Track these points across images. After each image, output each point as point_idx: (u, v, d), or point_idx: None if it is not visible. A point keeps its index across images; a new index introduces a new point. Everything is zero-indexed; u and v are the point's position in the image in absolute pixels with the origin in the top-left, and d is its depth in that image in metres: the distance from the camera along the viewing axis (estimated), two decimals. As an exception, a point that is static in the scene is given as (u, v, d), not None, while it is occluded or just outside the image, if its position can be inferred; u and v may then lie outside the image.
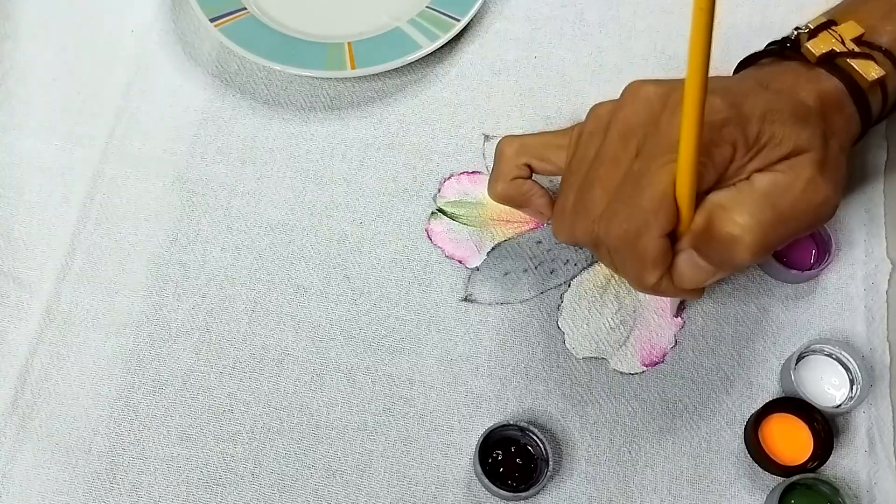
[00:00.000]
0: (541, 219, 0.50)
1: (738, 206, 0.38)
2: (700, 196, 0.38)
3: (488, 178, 0.47)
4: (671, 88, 0.39)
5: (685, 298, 0.45)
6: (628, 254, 0.39)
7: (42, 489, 0.46)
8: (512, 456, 0.45)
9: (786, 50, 0.46)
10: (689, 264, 0.40)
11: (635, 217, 0.38)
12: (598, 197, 0.39)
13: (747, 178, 0.38)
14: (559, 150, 0.44)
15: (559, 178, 0.44)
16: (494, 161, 0.46)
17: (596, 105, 0.42)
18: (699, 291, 0.42)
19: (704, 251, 0.39)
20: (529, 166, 0.45)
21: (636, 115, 0.39)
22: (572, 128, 0.44)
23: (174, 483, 0.46)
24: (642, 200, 0.38)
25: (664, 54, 0.57)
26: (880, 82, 0.44)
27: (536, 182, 0.46)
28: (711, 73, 0.33)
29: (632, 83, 0.40)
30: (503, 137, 0.46)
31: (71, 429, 0.47)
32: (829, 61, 0.44)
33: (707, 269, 0.40)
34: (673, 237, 0.39)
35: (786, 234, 0.39)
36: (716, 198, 0.38)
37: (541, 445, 0.45)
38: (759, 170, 0.38)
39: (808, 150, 0.38)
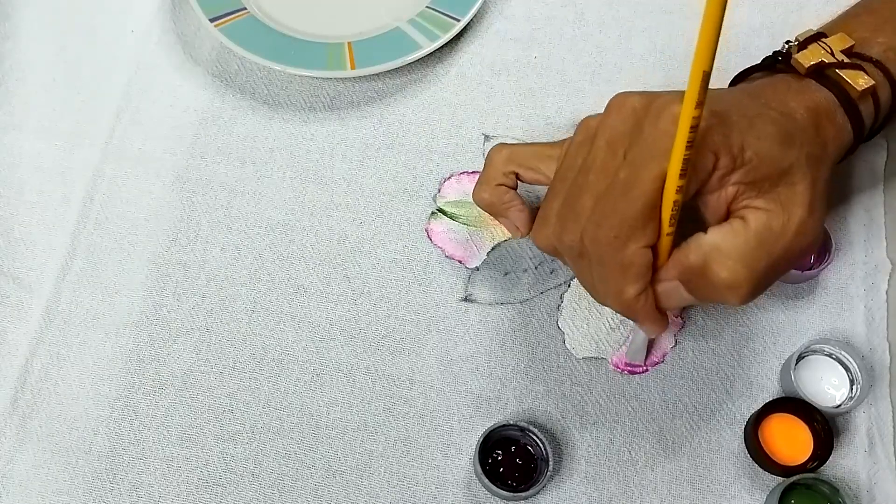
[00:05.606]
0: (515, 233, 0.47)
1: (736, 254, 0.38)
2: (688, 221, 0.38)
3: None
4: (654, 97, 0.39)
5: (650, 328, 0.42)
6: (612, 263, 0.39)
7: (42, 489, 0.46)
8: (512, 456, 0.45)
9: (777, 63, 0.46)
10: (674, 293, 0.40)
11: (623, 225, 0.38)
12: (586, 203, 0.39)
13: (741, 218, 0.38)
14: (549, 160, 0.44)
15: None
16: (483, 167, 0.47)
17: (585, 118, 0.42)
18: (665, 322, 0.41)
19: (693, 288, 0.39)
20: (517, 175, 0.46)
21: (623, 123, 0.39)
22: (563, 140, 0.44)
23: (174, 483, 0.46)
24: (630, 209, 0.37)
25: (664, 54, 0.57)
26: (871, 92, 0.44)
27: (519, 195, 0.46)
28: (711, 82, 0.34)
29: (616, 95, 0.41)
30: (494, 145, 0.47)
31: (71, 429, 0.47)
32: (819, 72, 0.44)
33: (690, 300, 0.40)
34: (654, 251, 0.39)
35: (775, 279, 0.40)
36: (712, 239, 0.38)
37: (541, 445, 0.45)
38: (748, 206, 0.38)
39: (794, 177, 0.39)
